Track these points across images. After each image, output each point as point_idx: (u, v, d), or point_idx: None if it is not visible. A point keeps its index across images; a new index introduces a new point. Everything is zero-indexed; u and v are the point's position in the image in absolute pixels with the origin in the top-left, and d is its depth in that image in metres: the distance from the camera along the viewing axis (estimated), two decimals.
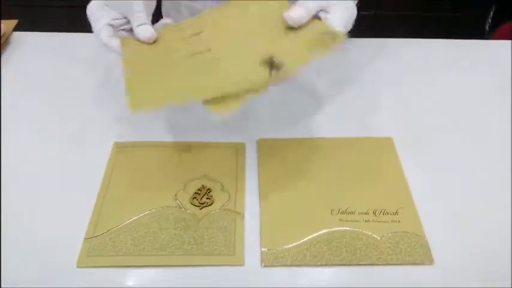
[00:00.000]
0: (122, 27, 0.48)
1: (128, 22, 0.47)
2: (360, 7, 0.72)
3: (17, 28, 0.71)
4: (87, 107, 0.59)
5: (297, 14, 0.43)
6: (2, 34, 0.68)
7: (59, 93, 0.62)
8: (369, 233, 0.44)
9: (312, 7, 0.43)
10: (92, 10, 0.47)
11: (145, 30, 0.46)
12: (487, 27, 1.50)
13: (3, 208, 0.47)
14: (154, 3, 0.51)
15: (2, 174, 0.51)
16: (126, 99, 0.41)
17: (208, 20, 0.49)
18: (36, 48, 0.70)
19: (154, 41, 0.47)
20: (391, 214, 0.46)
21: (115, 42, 0.46)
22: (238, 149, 0.54)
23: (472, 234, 0.45)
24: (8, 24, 0.70)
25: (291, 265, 0.42)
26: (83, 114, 0.58)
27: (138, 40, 0.47)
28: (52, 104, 0.60)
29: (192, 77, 0.43)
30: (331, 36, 0.42)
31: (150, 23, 0.47)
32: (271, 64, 0.40)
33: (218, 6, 0.50)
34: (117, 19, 0.47)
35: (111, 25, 0.47)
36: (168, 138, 0.55)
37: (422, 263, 0.42)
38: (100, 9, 0.47)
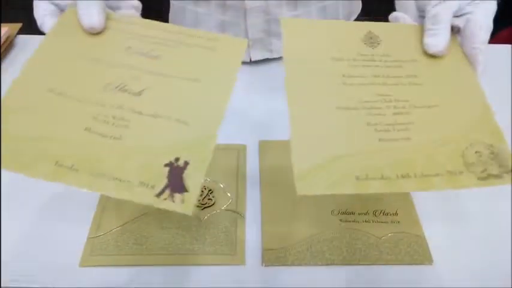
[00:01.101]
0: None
1: None
2: (358, 13, 0.73)
3: (21, 31, 0.72)
4: None
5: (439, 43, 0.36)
6: (7, 37, 0.68)
7: None
8: (369, 233, 0.45)
9: (449, 21, 0.35)
10: None
11: (90, 14, 0.34)
12: None
13: (5, 207, 0.48)
14: None
15: (5, 174, 0.51)
16: None
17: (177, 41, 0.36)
18: None
19: (99, 33, 0.35)
20: (390, 215, 0.47)
21: (50, 23, 0.35)
22: (239, 151, 0.54)
23: (471, 234, 0.45)
24: (12, 27, 0.71)
25: (291, 265, 0.43)
26: None
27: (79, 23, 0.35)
28: None
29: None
30: (502, 172, 0.28)
31: (101, 4, 0.34)
32: None
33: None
34: None
35: (54, 4, 0.36)
36: None
37: (422, 263, 0.43)
38: None
